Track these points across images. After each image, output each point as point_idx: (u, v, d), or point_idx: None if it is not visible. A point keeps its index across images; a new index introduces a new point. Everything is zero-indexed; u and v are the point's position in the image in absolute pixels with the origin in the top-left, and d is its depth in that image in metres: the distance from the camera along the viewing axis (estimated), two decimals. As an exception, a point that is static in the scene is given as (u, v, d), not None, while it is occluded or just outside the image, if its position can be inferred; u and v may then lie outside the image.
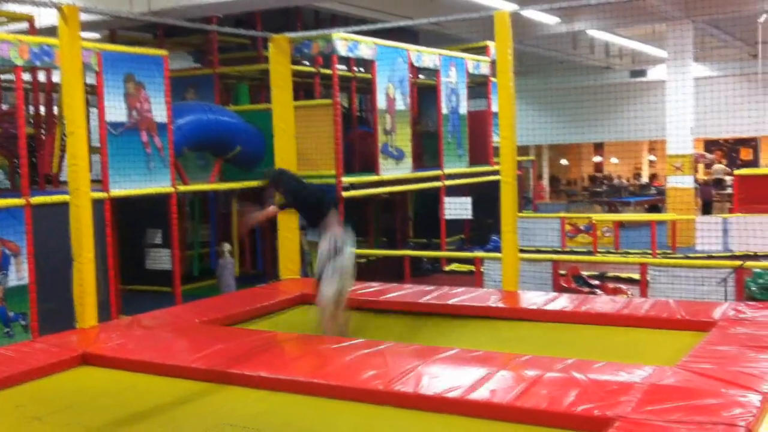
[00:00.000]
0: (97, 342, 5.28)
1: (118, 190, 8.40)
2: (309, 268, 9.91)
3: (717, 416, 3.35)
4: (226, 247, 10.11)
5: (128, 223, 9.65)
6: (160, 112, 8.89)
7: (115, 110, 8.40)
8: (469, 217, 11.29)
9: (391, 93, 11.18)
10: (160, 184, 8.88)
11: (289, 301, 6.60)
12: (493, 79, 12.88)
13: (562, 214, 15.65)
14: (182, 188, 9.33)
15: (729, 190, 19.50)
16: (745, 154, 27.58)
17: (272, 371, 4.44)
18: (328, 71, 11.03)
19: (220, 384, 4.46)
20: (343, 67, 12.36)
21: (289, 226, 7.62)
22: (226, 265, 9.93)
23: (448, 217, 11.56)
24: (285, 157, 7.63)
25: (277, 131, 7.63)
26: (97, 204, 7.14)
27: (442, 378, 4.14)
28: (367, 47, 10.67)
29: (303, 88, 11.98)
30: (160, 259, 9.37)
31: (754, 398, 3.56)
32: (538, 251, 12.41)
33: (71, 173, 5.73)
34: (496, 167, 9.04)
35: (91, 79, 8.39)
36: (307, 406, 4.10)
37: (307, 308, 6.49)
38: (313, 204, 5.78)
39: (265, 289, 7.25)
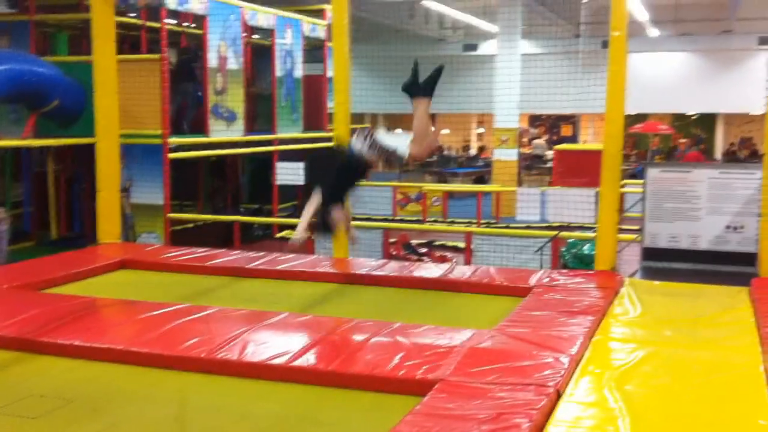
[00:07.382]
0: None
1: None
2: (131, 233, 9.48)
3: (530, 377, 3.53)
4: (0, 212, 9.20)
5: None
6: (-34, 59, 8.15)
7: None
8: (302, 182, 11.22)
9: (223, 51, 10.84)
10: (-34, 138, 8.16)
11: (109, 266, 6.26)
12: (329, 43, 12.79)
13: (394, 183, 15.92)
14: (-9, 143, 8.63)
15: (548, 165, 20.62)
16: (566, 130, 29.24)
17: (88, 339, 4.20)
18: (156, 24, 10.51)
19: (31, 353, 4.16)
20: (173, 21, 11.84)
21: (109, 185, 7.21)
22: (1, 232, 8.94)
23: (280, 182, 11.42)
24: (106, 113, 7.19)
25: (98, 85, 7.17)
26: None
27: (269, 344, 4.08)
28: (198, 1, 10.25)
29: (129, 42, 11.36)
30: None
31: (564, 360, 3.78)
32: (370, 219, 12.56)
33: None
34: (329, 134, 9.01)
35: None
36: (125, 375, 3.91)
37: (126, 273, 6.20)
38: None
39: (83, 253, 6.86)
